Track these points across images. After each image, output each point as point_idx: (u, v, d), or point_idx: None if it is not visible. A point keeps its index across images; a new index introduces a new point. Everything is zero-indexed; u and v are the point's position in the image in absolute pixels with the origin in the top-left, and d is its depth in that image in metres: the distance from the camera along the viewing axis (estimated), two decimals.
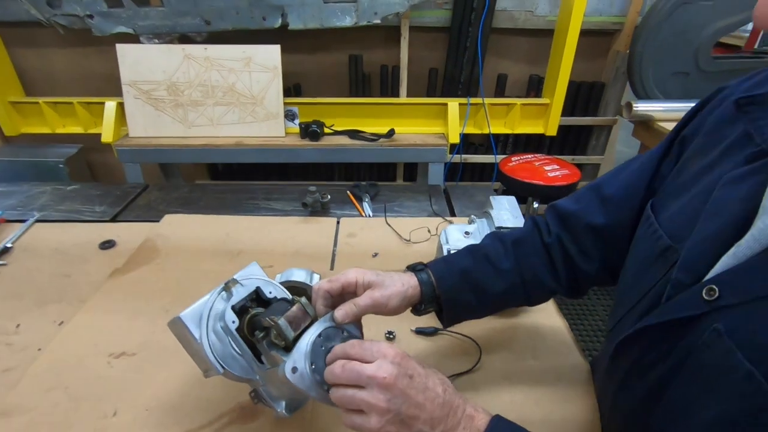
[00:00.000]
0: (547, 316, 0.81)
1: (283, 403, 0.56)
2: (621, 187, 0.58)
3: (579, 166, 2.31)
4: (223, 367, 0.52)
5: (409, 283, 0.57)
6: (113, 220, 1.11)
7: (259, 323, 0.52)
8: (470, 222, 0.89)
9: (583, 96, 2.25)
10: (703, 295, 0.37)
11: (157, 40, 1.89)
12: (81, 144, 2.27)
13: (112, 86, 1.96)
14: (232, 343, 0.53)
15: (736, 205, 0.38)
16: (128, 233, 1.03)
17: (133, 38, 1.88)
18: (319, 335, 0.50)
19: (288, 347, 0.49)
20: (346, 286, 0.54)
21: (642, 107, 1.87)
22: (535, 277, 0.61)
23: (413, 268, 0.60)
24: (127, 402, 0.64)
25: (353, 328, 0.53)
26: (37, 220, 1.08)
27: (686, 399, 0.39)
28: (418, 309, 0.59)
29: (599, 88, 2.23)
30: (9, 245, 0.97)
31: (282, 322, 0.49)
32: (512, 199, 0.88)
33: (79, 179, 2.29)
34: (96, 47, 2.11)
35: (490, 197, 0.88)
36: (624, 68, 2.11)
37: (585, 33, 1.94)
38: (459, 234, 0.84)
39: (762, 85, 0.43)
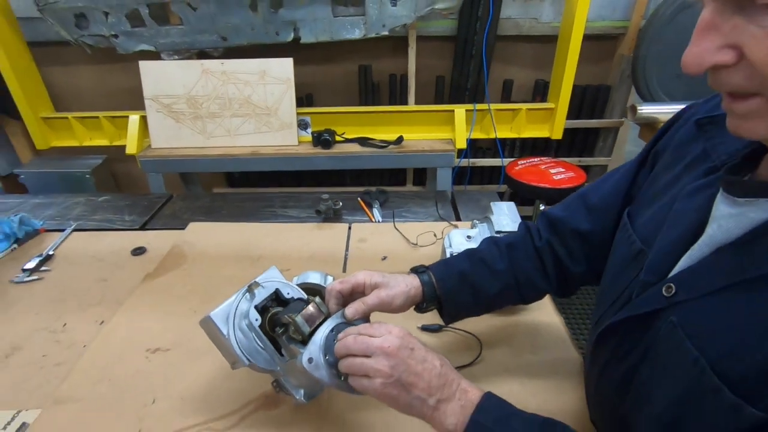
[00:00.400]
0: (545, 313, 0.87)
1: (302, 392, 0.63)
2: (604, 196, 0.64)
3: (586, 167, 2.36)
4: (248, 360, 0.60)
5: (412, 284, 0.63)
6: (142, 228, 1.20)
7: (279, 320, 0.60)
8: (472, 226, 0.95)
9: (590, 99, 2.29)
10: (663, 292, 0.43)
11: (177, 57, 2.00)
12: (106, 155, 2.39)
13: (135, 100, 2.07)
14: (256, 338, 0.61)
15: (692, 214, 0.44)
16: (157, 240, 1.12)
17: (154, 55, 1.99)
18: (332, 330, 0.57)
19: (304, 341, 0.57)
20: (355, 286, 0.61)
21: (646, 110, 1.90)
22: (528, 278, 0.67)
23: (416, 270, 0.67)
24: (164, 392, 0.71)
25: (361, 324, 0.60)
26: (74, 230, 1.17)
27: (649, 385, 0.44)
28: (420, 307, 0.66)
29: (605, 91, 2.27)
30: (51, 252, 1.07)
31: (299, 319, 0.57)
32: (511, 204, 0.94)
33: (104, 188, 2.41)
34: (120, 64, 2.23)
35: (491, 203, 0.94)
36: (629, 71, 2.14)
37: (589, 38, 1.99)
38: (461, 238, 0.91)
39: (720, 107, 0.49)
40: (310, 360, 0.54)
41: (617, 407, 0.50)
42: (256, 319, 0.60)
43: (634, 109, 1.93)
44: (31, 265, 1.01)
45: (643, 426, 0.45)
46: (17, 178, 2.33)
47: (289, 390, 0.63)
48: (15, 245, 1.10)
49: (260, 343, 0.61)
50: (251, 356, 0.60)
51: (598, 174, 2.46)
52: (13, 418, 0.67)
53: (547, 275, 0.68)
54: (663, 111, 1.90)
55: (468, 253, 0.69)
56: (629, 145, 2.56)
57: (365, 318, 0.61)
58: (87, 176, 2.33)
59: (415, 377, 0.49)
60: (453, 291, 0.65)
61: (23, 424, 0.66)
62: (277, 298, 0.64)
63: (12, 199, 1.36)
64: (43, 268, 1.02)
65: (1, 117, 2.35)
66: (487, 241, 0.71)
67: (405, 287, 0.62)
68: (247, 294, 0.62)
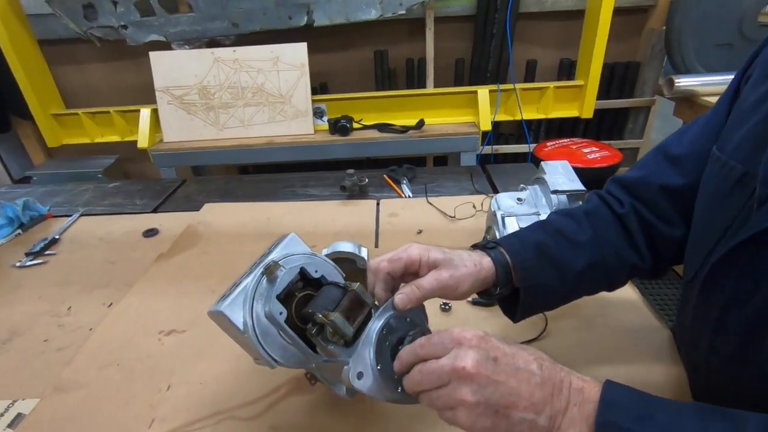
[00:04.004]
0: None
1: (344, 388, 0.50)
2: (694, 141, 0.53)
3: None
4: (275, 360, 0.46)
5: (481, 263, 0.49)
6: (155, 211, 1.12)
7: (310, 317, 0.46)
8: (521, 190, 0.84)
9: (618, 78, 2.16)
10: None
11: (187, 46, 1.94)
12: (118, 154, 2.34)
13: (147, 96, 2.01)
14: (282, 334, 0.47)
15: None
16: (170, 222, 1.03)
17: (164, 45, 1.93)
18: (383, 329, 0.43)
19: (348, 343, 0.44)
20: (408, 265, 0.48)
21: (684, 82, 1.77)
22: (614, 250, 0.54)
23: (483, 246, 0.53)
24: (181, 377, 0.62)
25: (416, 313, 0.47)
26: (82, 214, 1.09)
27: None
28: (490, 294, 0.51)
29: (634, 68, 2.15)
30: (57, 237, 0.98)
31: (338, 318, 0.43)
32: (566, 163, 0.83)
33: None
34: (130, 60, 2.19)
35: (542, 163, 0.83)
36: (660, 45, 2.02)
37: (617, 12, 1.87)
38: (511, 201, 0.80)
39: None
40: (359, 375, 0.41)
41: (751, 356, 0.40)
42: (281, 313, 0.46)
43: (671, 82, 1.80)
44: (35, 249, 0.93)
45: None
46: (30, 180, 2.29)
47: (328, 384, 0.51)
48: (19, 231, 1.02)
49: (288, 340, 0.47)
50: (278, 355, 0.46)
51: (630, 157, 2.33)
52: (7, 409, 0.58)
53: (636, 246, 0.55)
54: (704, 83, 1.76)
55: (539, 224, 0.56)
56: (654, 134, 2.39)
57: (420, 307, 0.47)
58: (99, 176, 2.27)
59: (512, 396, 0.36)
60: (533, 268, 0.50)
61: (18, 415, 0.57)
62: (302, 276, 0.50)
63: (20, 189, 1.29)
64: (48, 252, 0.93)
65: (14, 120, 2.32)
66: (558, 213, 0.58)
67: (474, 268, 0.48)
68: (264, 278, 0.47)
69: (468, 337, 0.38)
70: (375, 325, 0.43)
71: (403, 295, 0.45)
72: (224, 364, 0.63)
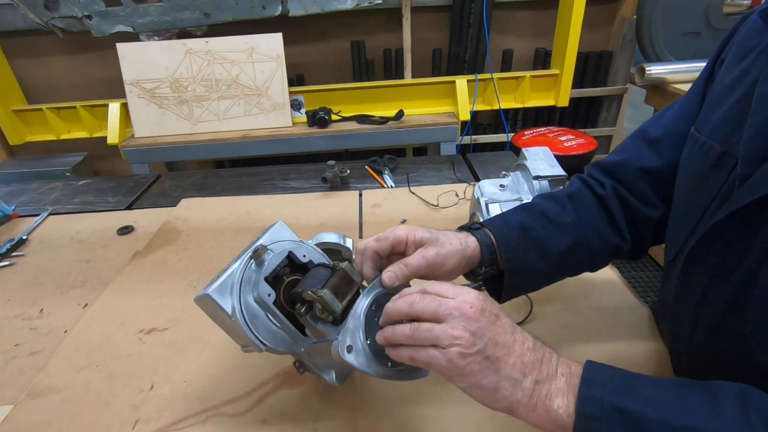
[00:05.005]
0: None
1: (333, 373, 0.51)
2: (670, 124, 0.55)
3: None
4: (263, 344, 0.46)
5: (467, 242, 0.50)
6: (129, 208, 1.08)
7: (298, 296, 0.46)
8: (503, 176, 0.84)
9: (591, 66, 2.20)
10: None
11: (157, 38, 1.87)
12: (86, 151, 2.25)
13: (115, 91, 1.93)
14: (270, 317, 0.47)
15: None
16: (146, 218, 0.99)
17: (132, 37, 1.86)
18: (372, 305, 0.44)
19: (336, 320, 0.45)
20: (395, 244, 0.48)
21: (655, 70, 1.82)
22: (596, 231, 0.55)
23: (468, 227, 0.54)
24: (164, 375, 0.60)
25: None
26: (51, 213, 1.04)
27: None
28: (476, 273, 0.52)
29: (607, 57, 2.19)
30: (24, 237, 0.94)
31: (327, 294, 0.44)
32: (546, 149, 0.83)
33: None
34: (96, 52, 2.09)
35: (523, 149, 0.83)
36: (631, 35, 2.07)
37: (590, 1, 1.89)
38: (494, 188, 0.80)
39: None
40: (349, 348, 0.41)
41: (735, 328, 0.41)
42: (269, 295, 0.46)
43: (642, 70, 1.84)
44: (1, 251, 0.89)
45: None
46: None
47: (317, 371, 0.51)
48: None
49: (276, 323, 0.47)
50: (266, 338, 0.46)
51: (604, 144, 2.38)
52: None
53: (617, 227, 0.56)
54: (674, 70, 1.81)
55: (523, 206, 0.57)
56: (626, 122, 2.44)
57: (407, 284, 0.47)
58: (67, 174, 2.18)
59: (505, 349, 0.37)
60: (517, 249, 0.51)
61: None
62: (290, 262, 0.50)
63: None
64: (15, 254, 0.89)
65: None
66: (542, 197, 0.59)
67: (459, 245, 0.49)
68: (253, 261, 0.48)
69: (475, 292, 0.39)
70: (364, 301, 0.44)
71: (391, 273, 0.45)
72: (209, 361, 0.61)
